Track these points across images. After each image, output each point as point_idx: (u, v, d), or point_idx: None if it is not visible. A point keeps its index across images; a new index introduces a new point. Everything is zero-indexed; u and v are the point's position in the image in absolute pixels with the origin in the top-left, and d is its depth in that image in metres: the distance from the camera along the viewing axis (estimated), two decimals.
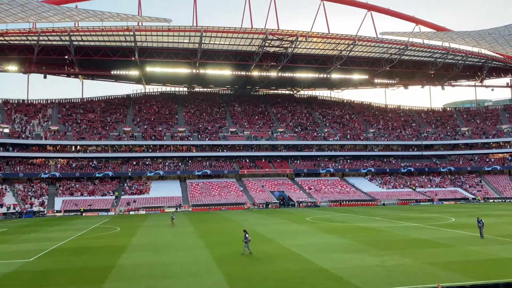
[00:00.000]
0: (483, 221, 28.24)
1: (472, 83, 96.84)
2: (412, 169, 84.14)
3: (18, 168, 68.35)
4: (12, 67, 71.20)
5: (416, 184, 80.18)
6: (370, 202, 70.66)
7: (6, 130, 70.75)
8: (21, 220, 54.68)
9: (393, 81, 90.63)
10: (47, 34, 62.90)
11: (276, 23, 69.26)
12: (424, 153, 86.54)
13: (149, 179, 74.68)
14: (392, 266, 19.11)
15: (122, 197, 67.53)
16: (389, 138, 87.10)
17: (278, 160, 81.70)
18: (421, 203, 71.16)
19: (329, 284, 16.26)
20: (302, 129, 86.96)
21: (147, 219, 50.35)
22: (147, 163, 75.97)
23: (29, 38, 63.93)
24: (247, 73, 79.60)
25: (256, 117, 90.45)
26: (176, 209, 64.06)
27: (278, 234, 31.44)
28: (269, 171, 79.04)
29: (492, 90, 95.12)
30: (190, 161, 78.33)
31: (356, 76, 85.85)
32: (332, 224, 39.00)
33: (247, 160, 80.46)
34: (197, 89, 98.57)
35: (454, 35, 70.71)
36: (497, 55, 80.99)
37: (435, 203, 71.70)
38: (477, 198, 74.32)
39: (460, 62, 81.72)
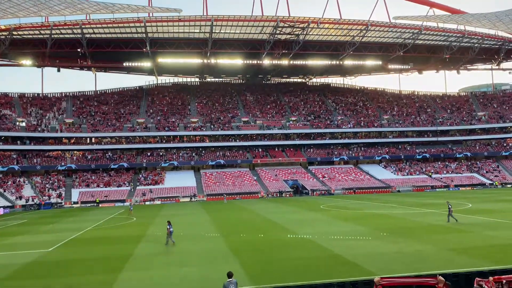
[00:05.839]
0: (450, 205, 29.14)
1: (489, 66, 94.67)
2: (428, 156, 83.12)
3: (35, 161, 69.53)
4: (27, 61, 72.06)
5: (432, 171, 79.25)
6: (385, 189, 70.19)
7: (23, 124, 71.92)
8: (40, 211, 55.81)
9: (407, 66, 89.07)
10: (59, 27, 63.30)
11: (287, 10, 68.42)
12: (440, 139, 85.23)
13: (164, 170, 75.33)
14: (409, 253, 18.94)
15: (138, 187, 68.31)
16: (404, 124, 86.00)
17: (291, 149, 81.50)
18: (437, 190, 70.46)
19: (345, 270, 16.16)
20: (315, 117, 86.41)
21: (163, 209, 50.87)
22: (161, 154, 76.56)
23: (42, 32, 64.45)
24: (258, 62, 79.04)
25: (269, 106, 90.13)
26: (191, 198, 64.64)
27: (293, 222, 31.43)
28: (282, 160, 78.94)
29: (510, 73, 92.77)
30: (203, 151, 78.66)
31: (370, 62, 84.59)
32: (347, 211, 38.85)
33: (260, 150, 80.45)
34: (208, 79, 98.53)
35: (470, 17, 69.04)
36: None
37: (451, 189, 70.89)
38: (494, 184, 73.22)
39: (476, 45, 79.84)
